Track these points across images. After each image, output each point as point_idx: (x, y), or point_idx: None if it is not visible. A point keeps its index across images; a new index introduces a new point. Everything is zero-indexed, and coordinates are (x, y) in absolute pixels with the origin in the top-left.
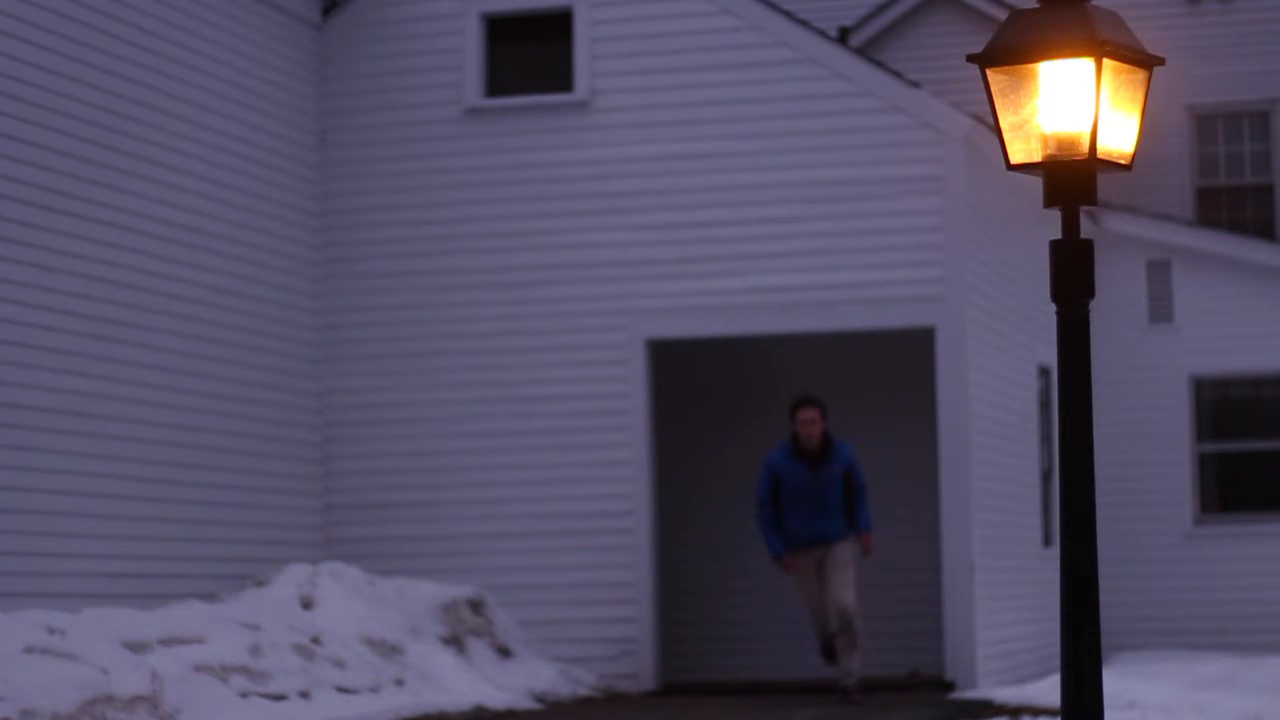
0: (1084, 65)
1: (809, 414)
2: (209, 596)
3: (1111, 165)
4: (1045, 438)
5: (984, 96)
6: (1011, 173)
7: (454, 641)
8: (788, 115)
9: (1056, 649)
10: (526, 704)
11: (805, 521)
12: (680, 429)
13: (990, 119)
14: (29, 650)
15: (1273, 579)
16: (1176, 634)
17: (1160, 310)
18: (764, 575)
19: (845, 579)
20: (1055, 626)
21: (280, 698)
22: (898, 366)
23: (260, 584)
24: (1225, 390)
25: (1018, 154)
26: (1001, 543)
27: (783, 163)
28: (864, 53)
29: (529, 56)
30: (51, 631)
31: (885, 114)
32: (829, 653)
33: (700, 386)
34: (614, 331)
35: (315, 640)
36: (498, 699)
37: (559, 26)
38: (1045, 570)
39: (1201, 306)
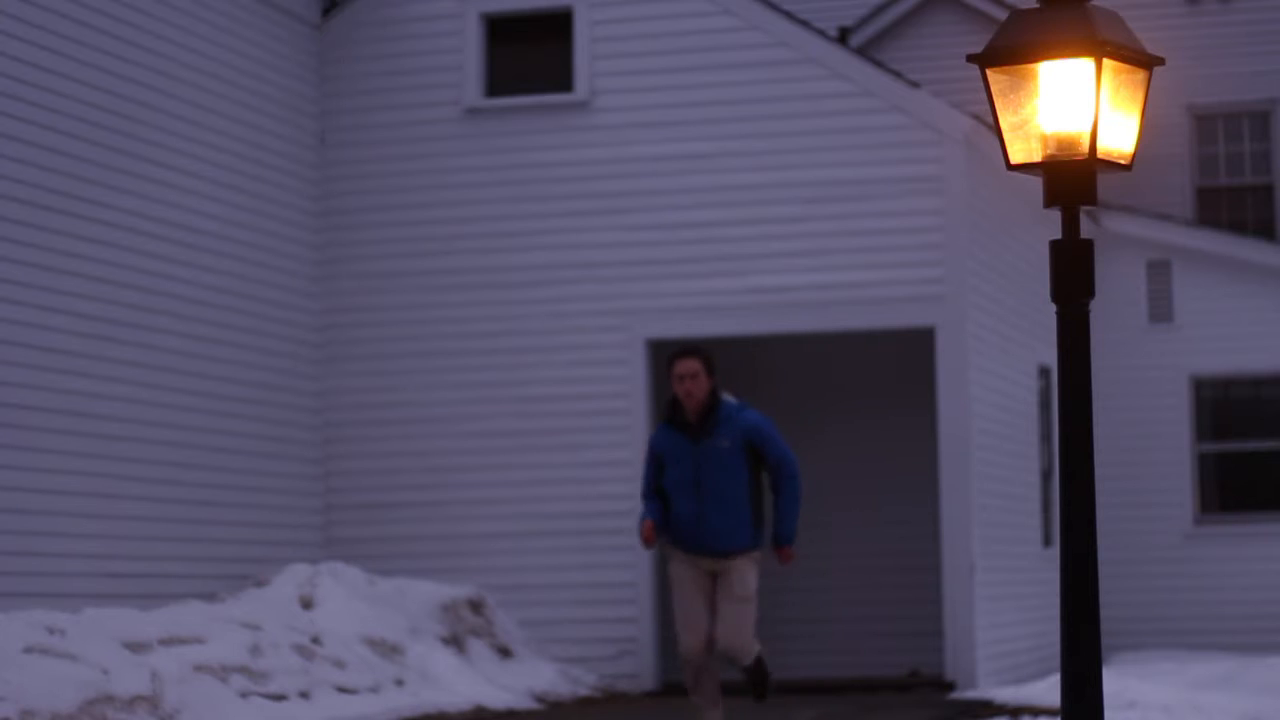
0: (1084, 65)
1: (686, 365)
2: (209, 596)
3: (1111, 165)
4: (1045, 438)
5: (984, 96)
6: (1011, 173)
7: (454, 641)
8: (788, 115)
9: (1056, 649)
10: (526, 704)
11: (688, 516)
12: None
13: (990, 119)
14: (29, 650)
15: (1273, 579)
16: (1176, 634)
17: (1160, 310)
18: (763, 575)
19: (740, 619)
20: (1055, 626)
21: (280, 698)
22: (898, 366)
23: (260, 584)
24: (1225, 390)
25: (1018, 154)
26: (1001, 543)
27: (783, 163)
28: (864, 53)
29: (529, 56)
30: (51, 631)
31: (885, 114)
32: (696, 688)
33: None
34: (614, 331)
35: (315, 640)
36: (498, 699)
37: (559, 26)
38: (1045, 570)
39: (1201, 306)
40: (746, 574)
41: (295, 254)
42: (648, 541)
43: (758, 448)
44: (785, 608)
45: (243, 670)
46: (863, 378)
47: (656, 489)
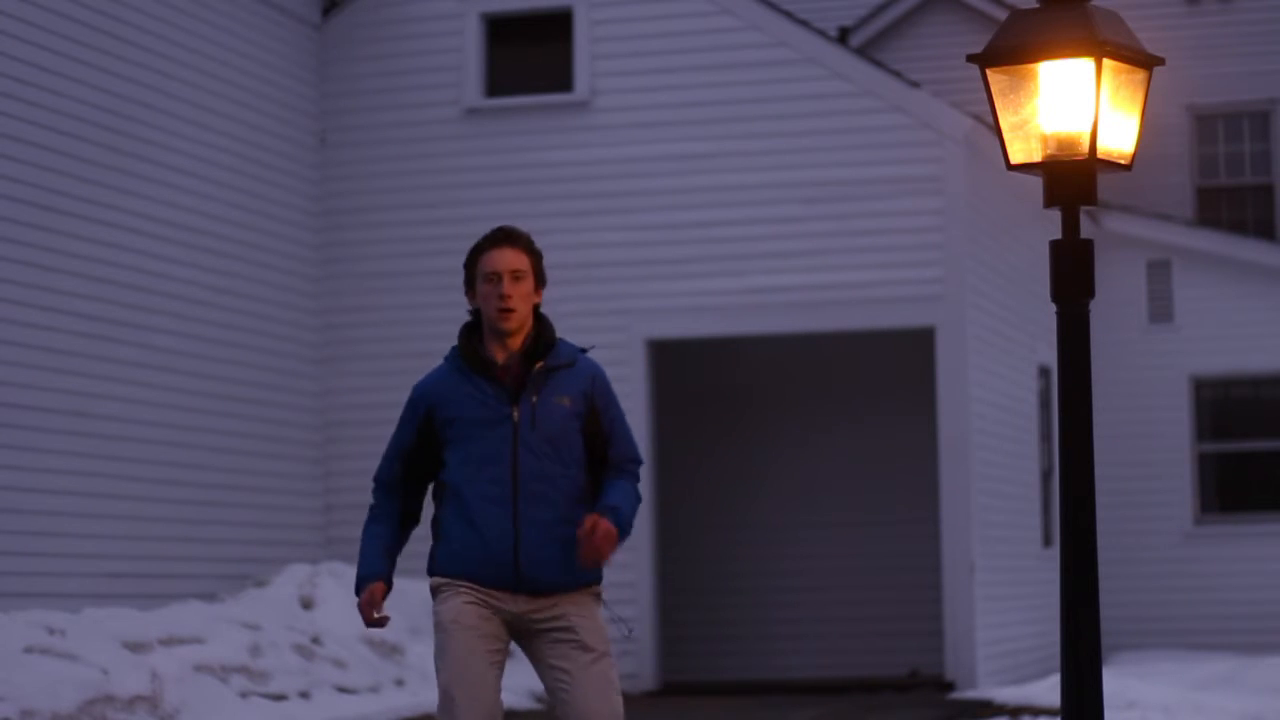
0: (1084, 65)
1: (508, 258)
2: (209, 596)
3: (1111, 165)
4: (1045, 438)
5: (984, 96)
6: (1011, 173)
7: None
8: (788, 115)
9: (1056, 649)
10: (526, 704)
11: (493, 529)
12: (680, 429)
13: (990, 119)
14: (29, 650)
15: (1273, 579)
16: (1176, 634)
17: (1160, 310)
18: (763, 575)
19: (607, 682)
20: (1055, 626)
21: (280, 698)
22: (898, 366)
23: (260, 584)
24: (1225, 390)
25: (1018, 154)
26: (1001, 543)
27: (783, 163)
28: (864, 53)
29: (529, 56)
30: (51, 631)
31: (885, 114)
32: None
33: (700, 386)
34: (614, 331)
35: (315, 640)
36: None
37: (559, 26)
38: (1045, 570)
39: (1201, 306)
40: (594, 617)
41: (295, 254)
42: (370, 619)
43: (597, 412)
44: (785, 608)
45: (243, 670)
46: (863, 378)
47: (407, 478)
